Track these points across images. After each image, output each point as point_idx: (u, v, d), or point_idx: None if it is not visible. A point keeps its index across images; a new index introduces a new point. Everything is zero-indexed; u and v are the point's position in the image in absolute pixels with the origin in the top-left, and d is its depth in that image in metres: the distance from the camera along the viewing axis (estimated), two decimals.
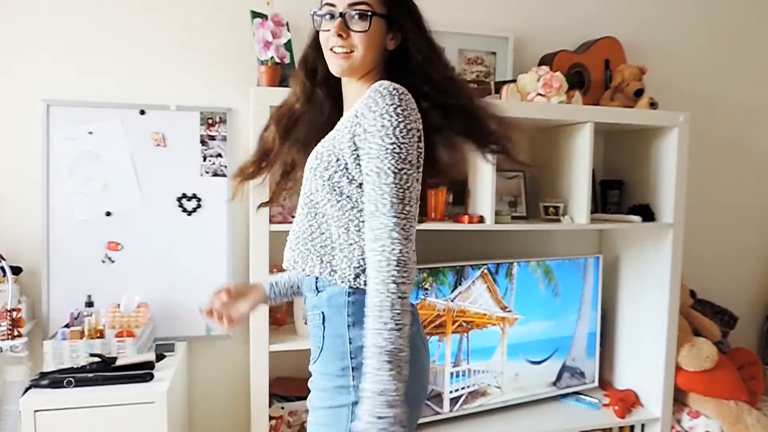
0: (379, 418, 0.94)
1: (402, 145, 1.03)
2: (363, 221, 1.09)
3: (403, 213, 1.02)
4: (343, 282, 1.11)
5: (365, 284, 1.06)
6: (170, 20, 2.02)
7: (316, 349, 1.16)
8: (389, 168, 1.02)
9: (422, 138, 1.09)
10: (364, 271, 1.10)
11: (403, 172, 1.03)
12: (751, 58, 2.73)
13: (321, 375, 1.15)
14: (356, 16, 1.12)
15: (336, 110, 1.24)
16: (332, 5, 1.14)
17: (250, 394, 1.82)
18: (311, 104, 1.26)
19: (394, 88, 1.06)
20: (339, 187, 1.11)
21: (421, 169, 1.10)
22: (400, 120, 1.03)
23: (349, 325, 1.11)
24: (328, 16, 1.15)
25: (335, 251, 1.13)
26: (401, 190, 1.03)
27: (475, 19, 2.30)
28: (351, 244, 1.12)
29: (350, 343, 1.10)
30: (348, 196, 1.11)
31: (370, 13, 1.12)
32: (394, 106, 1.04)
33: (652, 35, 2.55)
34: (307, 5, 1.86)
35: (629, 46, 2.39)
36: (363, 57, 1.14)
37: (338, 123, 1.16)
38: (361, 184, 1.10)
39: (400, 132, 1.03)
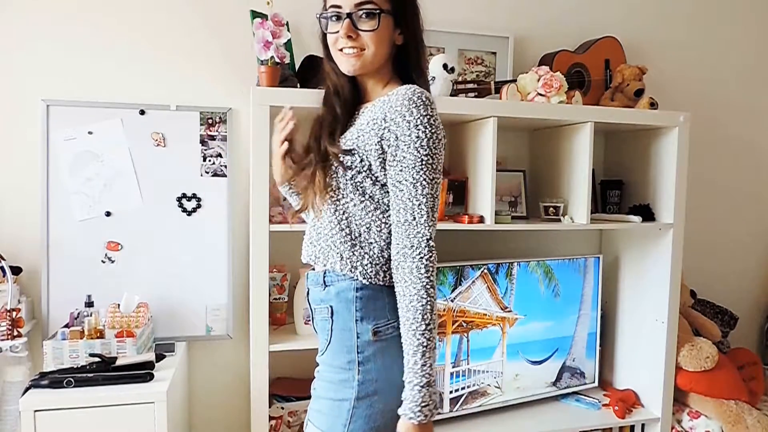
0: (425, 405, 1.04)
1: (434, 156, 1.09)
2: (385, 222, 1.15)
3: (434, 220, 1.09)
4: (364, 278, 1.14)
5: (383, 281, 1.15)
6: (170, 20, 2.02)
7: (324, 341, 1.20)
8: (425, 179, 1.08)
9: (445, 145, 1.14)
10: (382, 268, 1.15)
11: (434, 181, 1.09)
12: (751, 59, 2.73)
13: (328, 366, 1.19)
14: (364, 16, 1.13)
15: (351, 107, 1.25)
16: (338, 6, 1.14)
17: (250, 394, 1.82)
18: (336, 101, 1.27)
19: (426, 97, 1.09)
20: (362, 187, 1.14)
21: None
22: (432, 131, 1.08)
23: (356, 320, 1.14)
24: (334, 18, 1.15)
25: (355, 248, 1.15)
26: (434, 200, 1.09)
27: (475, 19, 2.30)
28: (371, 243, 1.15)
29: (357, 337, 1.14)
30: (371, 197, 1.15)
31: (378, 12, 1.13)
32: (428, 117, 1.08)
33: (652, 35, 2.55)
34: (307, 5, 1.86)
35: (629, 46, 2.39)
36: (374, 55, 1.15)
37: (359, 121, 1.18)
38: (384, 185, 1.14)
39: (433, 143, 1.08)
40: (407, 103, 1.07)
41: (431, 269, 1.07)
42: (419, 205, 1.07)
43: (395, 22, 1.17)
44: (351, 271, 1.15)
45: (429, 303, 1.05)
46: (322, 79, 1.28)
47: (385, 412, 1.11)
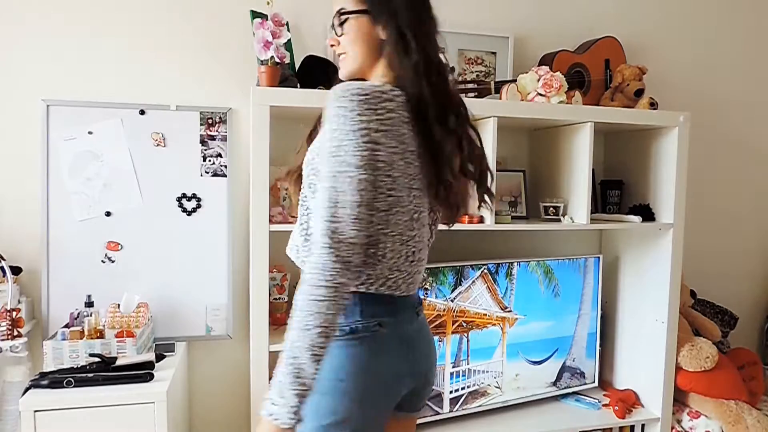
0: (273, 404, 0.99)
1: (340, 147, 1.02)
2: None
3: (334, 217, 1.01)
4: None
5: None
6: (170, 20, 2.02)
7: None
8: (328, 171, 1.03)
9: (377, 140, 1.03)
10: None
11: (342, 174, 1.01)
12: (751, 58, 2.73)
13: None
14: (337, 22, 1.18)
15: None
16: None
17: (250, 394, 1.82)
18: None
19: (346, 89, 1.03)
20: (313, 185, 1.14)
21: (384, 171, 1.06)
22: (341, 122, 1.02)
23: None
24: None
25: (307, 243, 1.16)
26: (335, 193, 1.01)
27: (475, 19, 2.30)
28: None
29: None
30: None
31: (343, 15, 1.16)
32: (342, 107, 1.03)
33: (652, 35, 2.55)
34: (307, 5, 1.86)
35: (629, 46, 2.39)
36: (353, 57, 1.18)
37: None
38: None
39: (341, 134, 1.02)
40: (329, 96, 1.06)
41: (320, 265, 0.99)
42: (321, 199, 1.03)
43: (374, 19, 1.15)
44: (302, 264, 1.15)
45: (306, 300, 0.99)
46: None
47: (332, 413, 1.11)
